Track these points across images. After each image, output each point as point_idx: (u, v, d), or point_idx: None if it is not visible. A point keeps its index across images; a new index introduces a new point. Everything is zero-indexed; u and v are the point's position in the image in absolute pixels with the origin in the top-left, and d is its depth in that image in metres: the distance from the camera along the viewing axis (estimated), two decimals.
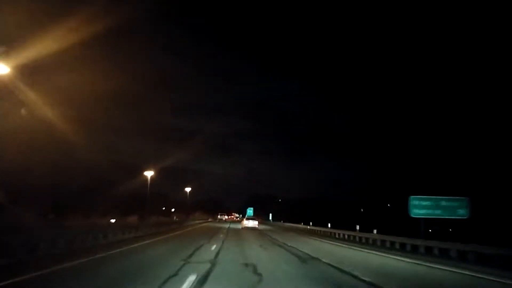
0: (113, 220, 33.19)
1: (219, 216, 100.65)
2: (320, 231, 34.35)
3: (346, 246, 21.17)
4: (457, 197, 21.01)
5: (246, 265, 10.97)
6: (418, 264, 13.70)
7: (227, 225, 53.34)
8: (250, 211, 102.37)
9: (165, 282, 7.93)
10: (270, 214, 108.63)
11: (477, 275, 11.39)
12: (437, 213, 20.47)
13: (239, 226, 47.18)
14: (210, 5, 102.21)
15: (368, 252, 17.50)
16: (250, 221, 44.00)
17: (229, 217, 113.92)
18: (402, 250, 19.32)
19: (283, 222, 77.95)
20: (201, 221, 72.56)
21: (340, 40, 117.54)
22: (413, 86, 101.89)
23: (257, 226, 43.09)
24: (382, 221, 63.87)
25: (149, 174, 42.05)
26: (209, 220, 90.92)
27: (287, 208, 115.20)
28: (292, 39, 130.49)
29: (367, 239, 24.92)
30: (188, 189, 72.68)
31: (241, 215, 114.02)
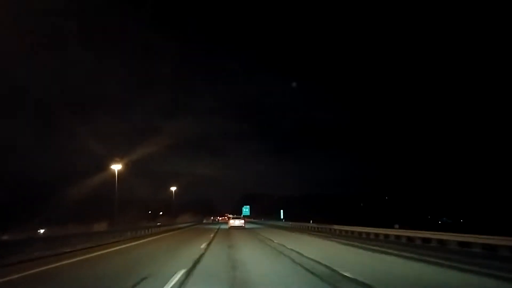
0: (42, 231, 24.28)
1: (212, 218, 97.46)
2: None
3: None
4: None
5: None
6: None
7: (217, 227, 47.95)
8: (246, 210, 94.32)
9: None
10: (282, 211, 70.40)
11: None
12: None
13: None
14: (194, 3, 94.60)
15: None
16: (237, 220, 44.46)
17: (222, 218, 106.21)
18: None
19: (312, 222, 40.66)
20: (189, 223, 63.88)
21: (328, 34, 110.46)
22: (405, 78, 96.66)
23: (243, 225, 42.88)
24: (391, 215, 56.97)
25: (116, 167, 33.26)
26: (204, 221, 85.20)
27: (286, 206, 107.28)
28: (276, 35, 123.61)
29: (428, 240, 16.34)
30: (173, 189, 63.95)
31: (235, 215, 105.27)
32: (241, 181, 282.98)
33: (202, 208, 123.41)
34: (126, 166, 36.05)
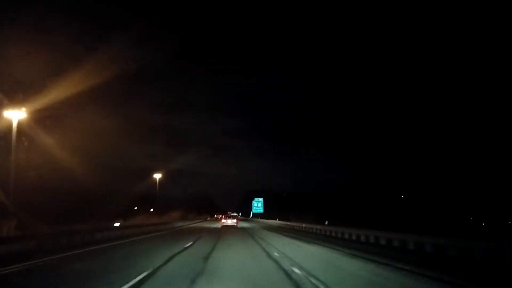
0: None
1: (215, 216, 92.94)
2: None
3: None
4: None
5: None
6: None
7: (213, 225, 43.67)
8: (258, 205, 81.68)
9: None
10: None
11: None
12: None
13: (231, 229, 37.32)
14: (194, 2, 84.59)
15: None
16: (229, 220, 45.46)
17: (224, 216, 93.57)
18: None
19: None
20: (180, 224, 48.89)
21: (327, 32, 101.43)
22: (404, 80, 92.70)
23: (235, 224, 43.72)
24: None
25: (14, 116, 17.70)
26: (207, 219, 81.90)
27: (291, 203, 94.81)
28: (276, 33, 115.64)
29: None
30: (157, 176, 48.31)
31: (240, 214, 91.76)
32: (243, 179, 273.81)
33: (202, 205, 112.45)
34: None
